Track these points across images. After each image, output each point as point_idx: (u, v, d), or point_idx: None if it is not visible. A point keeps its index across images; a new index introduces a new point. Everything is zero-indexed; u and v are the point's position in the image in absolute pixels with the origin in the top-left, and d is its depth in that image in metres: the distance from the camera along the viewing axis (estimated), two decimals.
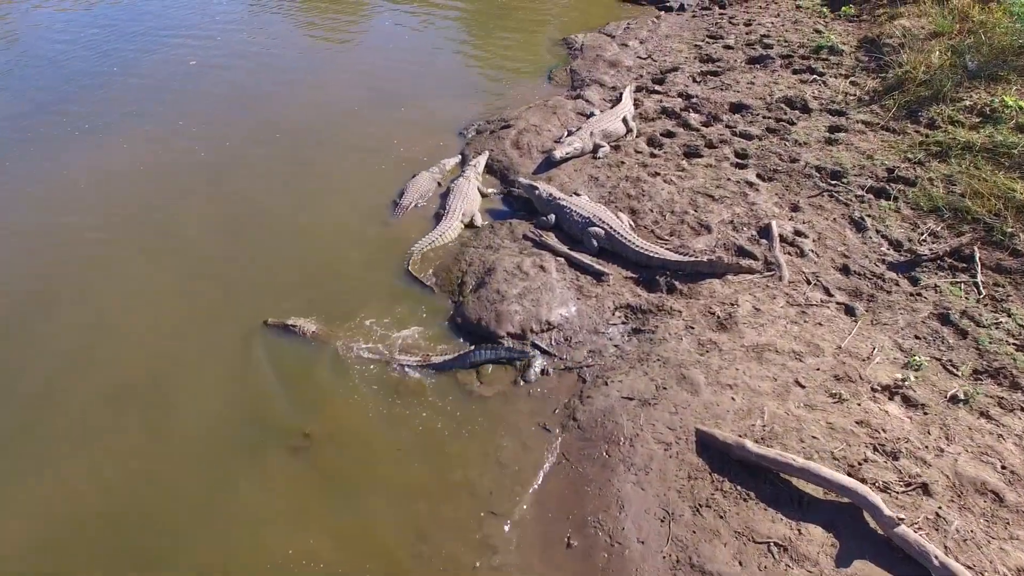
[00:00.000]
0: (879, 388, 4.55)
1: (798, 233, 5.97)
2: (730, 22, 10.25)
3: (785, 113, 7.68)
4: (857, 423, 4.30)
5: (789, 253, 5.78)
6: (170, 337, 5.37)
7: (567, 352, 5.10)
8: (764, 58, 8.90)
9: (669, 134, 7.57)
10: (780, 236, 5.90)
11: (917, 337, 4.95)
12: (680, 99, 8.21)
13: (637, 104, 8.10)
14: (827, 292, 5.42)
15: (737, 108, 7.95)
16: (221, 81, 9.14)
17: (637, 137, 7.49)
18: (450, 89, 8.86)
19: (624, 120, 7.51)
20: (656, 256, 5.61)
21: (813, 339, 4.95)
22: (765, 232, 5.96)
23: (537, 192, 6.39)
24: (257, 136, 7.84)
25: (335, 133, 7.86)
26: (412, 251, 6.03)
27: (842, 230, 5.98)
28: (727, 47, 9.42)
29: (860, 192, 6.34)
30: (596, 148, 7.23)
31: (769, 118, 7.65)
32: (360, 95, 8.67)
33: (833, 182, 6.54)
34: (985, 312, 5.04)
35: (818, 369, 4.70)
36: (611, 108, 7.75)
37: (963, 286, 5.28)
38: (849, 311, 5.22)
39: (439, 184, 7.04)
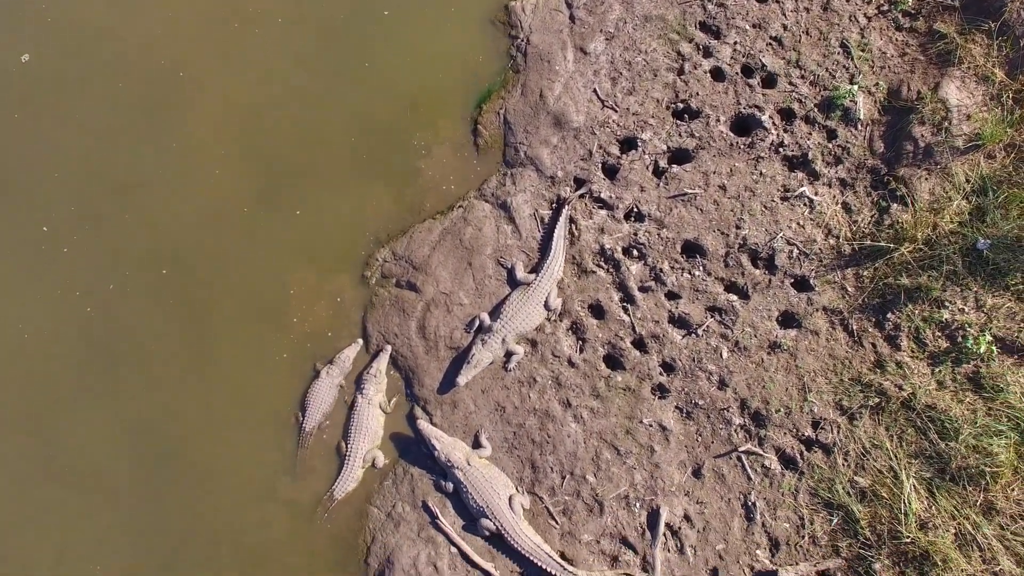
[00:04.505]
0: None
1: (687, 518, 6.97)
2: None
3: (742, 275, 7.35)
4: None
5: (669, 548, 6.94)
6: None
7: None
8: (754, 124, 7.64)
9: (598, 312, 7.49)
10: (667, 524, 6.94)
11: None
12: (627, 226, 7.60)
13: (573, 236, 7.60)
14: None
15: (691, 250, 7.51)
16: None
17: (560, 318, 7.46)
18: (344, 158, 8.06)
19: (546, 303, 7.37)
20: (539, 564, 6.88)
21: None
22: (653, 520, 6.97)
23: (436, 454, 7.14)
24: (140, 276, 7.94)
25: (222, 278, 7.85)
26: (319, 514, 7.29)
27: (730, 519, 6.94)
28: (716, 74, 7.83)
29: (770, 459, 6.95)
30: (509, 355, 7.39)
31: (721, 280, 7.38)
32: (244, 184, 8.05)
33: (751, 431, 7.04)
34: None
35: None
36: (535, 281, 7.41)
37: None
38: None
39: (342, 386, 7.58)
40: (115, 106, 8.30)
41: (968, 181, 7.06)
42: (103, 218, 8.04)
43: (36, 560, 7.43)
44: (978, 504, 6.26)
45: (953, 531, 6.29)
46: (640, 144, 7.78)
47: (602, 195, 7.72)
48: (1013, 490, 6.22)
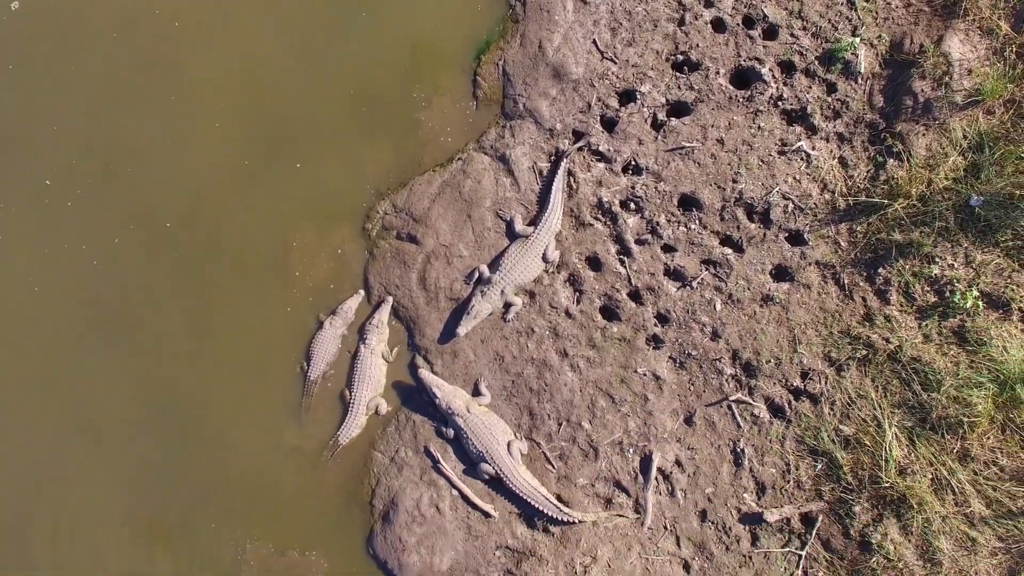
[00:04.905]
0: None
1: (678, 463, 7.34)
2: None
3: (738, 228, 7.52)
4: None
5: (660, 491, 7.33)
6: None
7: None
8: (753, 77, 7.67)
9: (595, 264, 7.69)
10: (659, 469, 7.32)
11: None
12: (625, 179, 7.73)
13: (571, 189, 7.74)
14: (677, 542, 7.29)
15: (687, 204, 7.67)
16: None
17: (557, 270, 7.67)
18: (344, 111, 8.13)
19: (544, 255, 7.56)
20: (536, 506, 7.29)
21: None
22: (646, 465, 7.34)
23: (437, 401, 7.46)
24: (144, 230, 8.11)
25: (225, 231, 8.03)
26: (325, 460, 7.68)
27: (719, 464, 7.30)
28: (716, 25, 7.82)
29: (759, 407, 7.27)
30: (508, 306, 7.62)
31: (716, 234, 7.56)
32: (245, 137, 8.13)
33: (741, 380, 7.34)
34: None
35: None
36: (533, 233, 7.57)
37: (790, 556, 7.10)
38: (686, 567, 7.24)
39: (345, 336, 7.86)
40: (111, 57, 8.32)
41: (965, 137, 7.15)
42: (104, 172, 8.16)
43: (59, 511, 7.88)
44: (955, 451, 6.61)
45: (930, 476, 6.66)
46: (639, 97, 7.83)
47: (600, 148, 7.82)
48: (988, 438, 6.56)
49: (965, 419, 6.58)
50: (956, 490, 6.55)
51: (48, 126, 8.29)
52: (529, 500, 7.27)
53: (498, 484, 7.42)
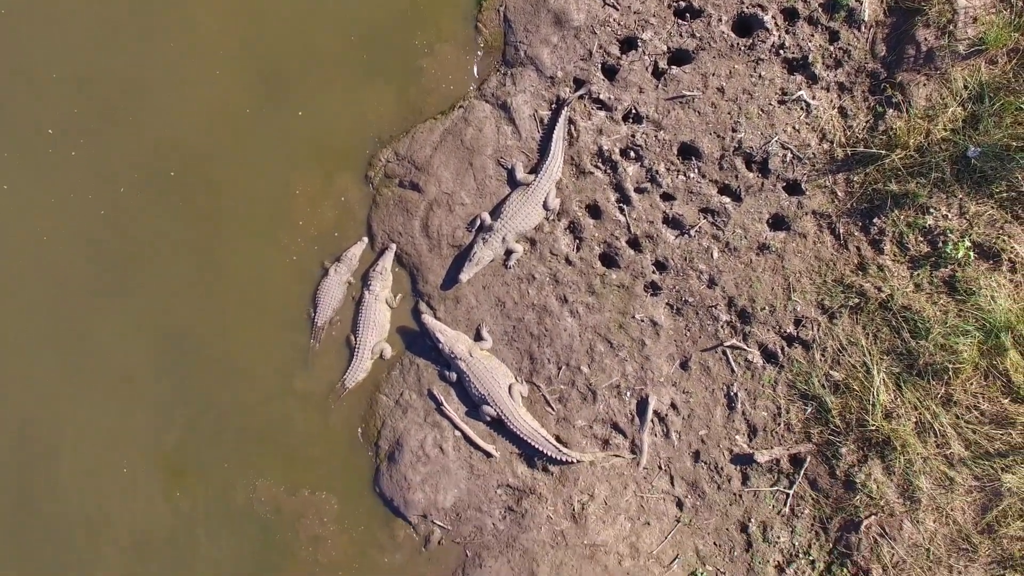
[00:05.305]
0: None
1: (673, 406, 7.67)
2: None
3: (736, 177, 7.66)
4: None
5: (656, 433, 7.68)
6: None
7: (457, 527, 7.89)
8: (756, 24, 7.67)
9: (595, 212, 7.85)
10: (655, 412, 7.66)
11: (716, 544, 7.58)
12: (625, 127, 7.82)
13: (572, 138, 7.84)
14: (671, 481, 7.68)
15: (687, 152, 7.78)
16: None
17: (558, 217, 7.84)
18: (346, 57, 8.16)
19: (545, 203, 7.71)
20: (536, 446, 7.64)
21: (637, 541, 7.62)
22: (642, 408, 7.67)
23: (440, 346, 7.73)
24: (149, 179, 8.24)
25: (229, 180, 8.16)
26: (332, 402, 8.02)
27: (713, 407, 7.63)
28: None
29: (753, 353, 7.55)
30: (509, 253, 7.82)
31: (715, 183, 7.70)
32: (246, 85, 8.18)
33: (736, 327, 7.60)
34: (777, 526, 7.48)
35: (628, 573, 7.60)
36: (534, 181, 7.70)
37: (778, 494, 7.50)
38: (680, 505, 7.64)
39: (350, 284, 8.08)
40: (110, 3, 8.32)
41: (966, 87, 7.19)
42: (106, 121, 8.23)
43: (74, 451, 8.26)
44: (939, 396, 6.91)
45: (914, 420, 6.98)
46: (640, 44, 7.85)
47: (601, 96, 7.88)
48: (971, 384, 6.86)
49: (950, 366, 6.86)
50: (938, 433, 6.88)
51: (46, 72, 8.30)
52: (529, 441, 7.61)
53: (499, 425, 7.76)
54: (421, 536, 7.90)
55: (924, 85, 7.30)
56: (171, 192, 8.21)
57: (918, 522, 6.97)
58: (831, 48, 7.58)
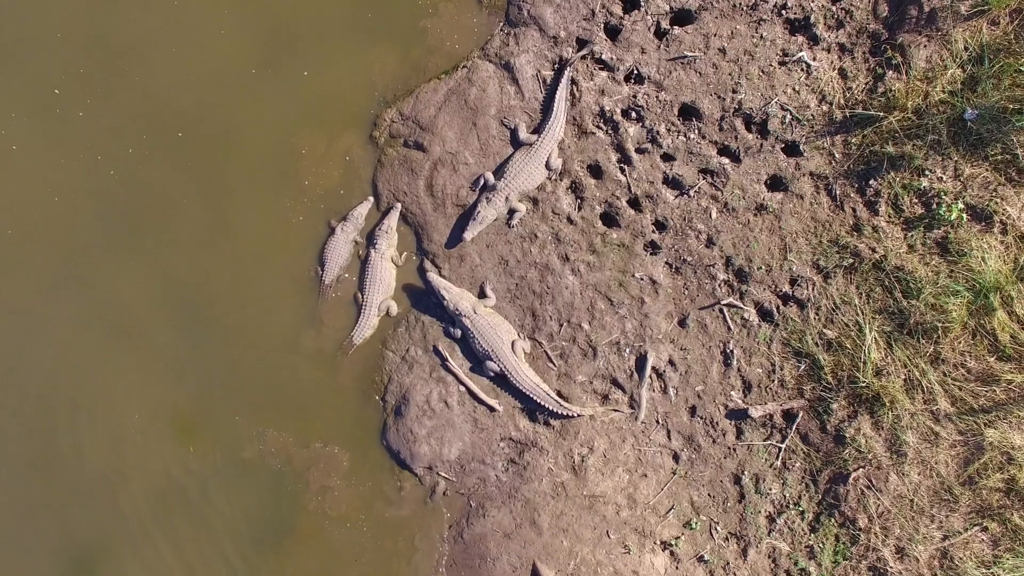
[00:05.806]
0: (658, 543, 7.97)
1: (671, 363, 7.95)
2: None
3: (736, 138, 7.81)
4: (632, 572, 7.98)
5: (654, 388, 7.98)
6: None
7: (461, 478, 8.26)
8: None
9: (596, 172, 8.03)
10: (653, 368, 7.95)
11: (710, 495, 7.94)
12: (627, 88, 7.94)
13: (574, 98, 7.97)
14: (668, 435, 8.01)
15: (687, 113, 7.92)
16: None
17: (560, 177, 8.01)
18: (349, 17, 8.26)
19: (547, 163, 7.88)
20: (538, 401, 7.96)
21: (635, 492, 7.99)
22: (641, 364, 7.96)
23: (444, 303, 8.00)
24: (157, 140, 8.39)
25: (235, 140, 8.32)
26: (340, 358, 8.32)
27: (710, 364, 7.91)
28: None
29: (749, 311, 7.81)
30: (512, 212, 8.02)
31: (714, 143, 7.86)
32: (250, 45, 8.27)
33: (733, 286, 7.84)
34: (769, 478, 7.83)
35: (626, 522, 7.99)
36: (537, 141, 7.85)
37: (771, 448, 7.83)
38: (676, 458, 7.99)
39: (356, 242, 8.31)
40: None
41: (966, 49, 7.28)
42: (112, 81, 8.35)
43: (88, 403, 8.54)
44: (928, 355, 7.18)
45: (903, 377, 7.26)
46: (643, 4, 7.91)
47: (604, 56, 7.98)
48: (959, 343, 7.12)
49: (940, 325, 7.11)
50: (925, 389, 7.17)
51: (49, 33, 8.39)
52: (531, 395, 7.92)
53: (502, 381, 8.06)
54: (427, 487, 8.27)
55: (924, 47, 7.39)
56: (179, 152, 8.37)
57: (903, 475, 7.31)
58: (833, 8, 7.65)
